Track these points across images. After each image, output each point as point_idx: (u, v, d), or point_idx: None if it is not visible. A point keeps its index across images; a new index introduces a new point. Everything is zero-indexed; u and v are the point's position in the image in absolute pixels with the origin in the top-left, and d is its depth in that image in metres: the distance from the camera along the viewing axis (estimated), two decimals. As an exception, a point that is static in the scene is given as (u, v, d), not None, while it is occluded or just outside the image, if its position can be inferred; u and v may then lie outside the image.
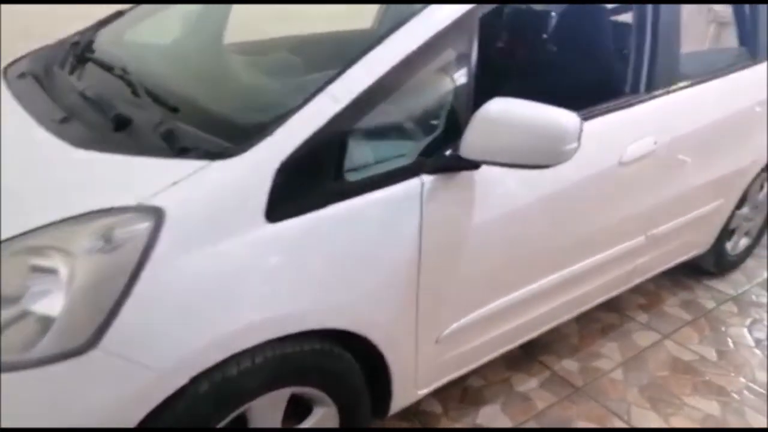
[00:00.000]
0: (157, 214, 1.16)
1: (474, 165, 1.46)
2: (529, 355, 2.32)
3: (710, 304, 2.74)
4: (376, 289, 1.43)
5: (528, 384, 2.19)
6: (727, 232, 2.77)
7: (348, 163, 1.34)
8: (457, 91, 1.48)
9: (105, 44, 2.01)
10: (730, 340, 2.50)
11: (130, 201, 1.18)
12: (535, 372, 2.24)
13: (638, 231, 2.17)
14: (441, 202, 1.48)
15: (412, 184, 1.43)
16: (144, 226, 1.14)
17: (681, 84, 2.12)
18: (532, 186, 1.68)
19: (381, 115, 1.39)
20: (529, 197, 1.68)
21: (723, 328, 2.58)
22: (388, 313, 1.48)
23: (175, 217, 1.16)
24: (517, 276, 1.80)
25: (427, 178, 1.45)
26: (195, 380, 1.21)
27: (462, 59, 1.48)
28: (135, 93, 1.50)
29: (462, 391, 2.12)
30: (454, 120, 1.47)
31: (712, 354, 2.41)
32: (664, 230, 2.28)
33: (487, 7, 1.52)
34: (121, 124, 1.38)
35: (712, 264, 2.85)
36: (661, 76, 2.04)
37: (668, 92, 2.07)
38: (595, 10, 2.27)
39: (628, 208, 2.05)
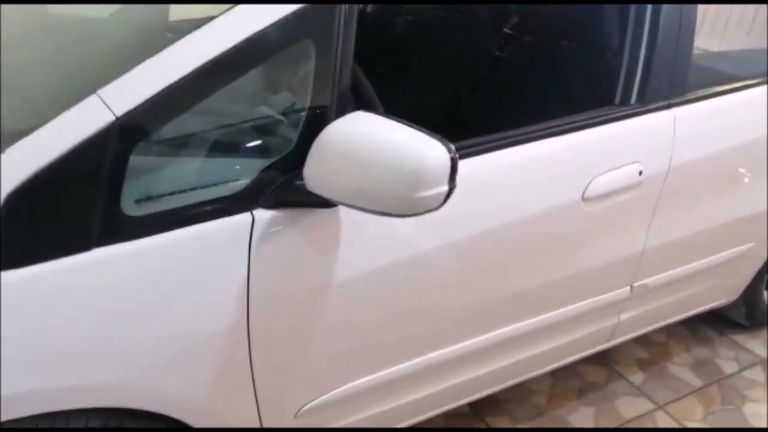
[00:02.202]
0: None
1: (326, 202, 1.08)
2: (476, 412, 1.92)
3: (730, 368, 2.21)
4: (178, 358, 1.08)
5: (462, 452, 1.80)
6: (763, 280, 2.22)
7: (132, 192, 0.99)
8: (316, 99, 1.10)
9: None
10: (746, 419, 1.99)
11: None
12: (476, 437, 1.85)
13: (618, 281, 1.70)
14: (283, 245, 1.11)
15: (234, 222, 1.06)
16: None
17: (693, 94, 1.63)
18: (438, 227, 1.28)
19: (191, 128, 1.04)
20: (431, 241, 1.27)
21: (740, 402, 2.06)
22: (207, 388, 1.14)
23: None
24: (416, 340, 1.40)
25: (261, 214, 1.08)
26: None
27: (324, 59, 1.09)
28: None
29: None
30: (309, 139, 1.08)
31: (716, 437, 1.92)
32: (661, 280, 1.80)
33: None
34: None
35: (743, 315, 2.31)
36: (664, 83, 1.56)
37: (671, 105, 1.58)
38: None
39: (598, 254, 1.59)
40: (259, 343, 1.14)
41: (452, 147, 0.96)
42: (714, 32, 4.20)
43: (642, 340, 2.25)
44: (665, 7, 1.52)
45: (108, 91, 0.97)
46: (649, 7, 1.53)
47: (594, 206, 1.48)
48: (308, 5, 1.07)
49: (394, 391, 1.43)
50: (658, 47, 1.53)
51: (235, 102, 1.07)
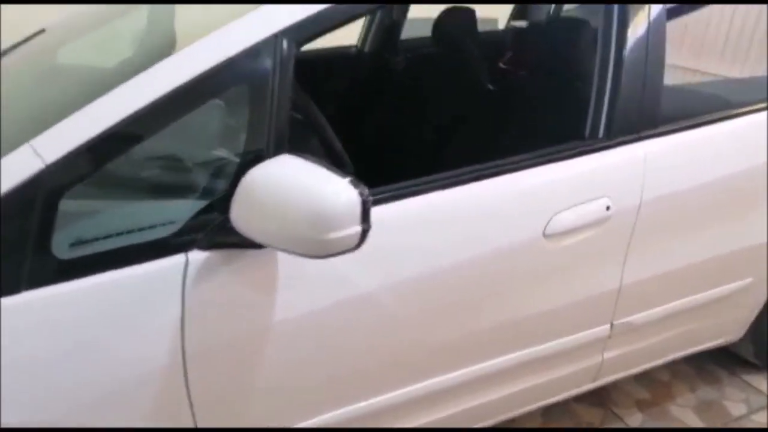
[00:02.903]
0: None
1: (257, 244, 1.09)
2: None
3: (738, 410, 2.09)
4: (114, 398, 1.10)
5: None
6: (771, 316, 2.11)
7: (65, 235, 1.03)
8: (251, 143, 1.12)
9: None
10: (751, 466, 1.88)
11: None
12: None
13: (595, 319, 1.65)
14: (217, 286, 1.12)
15: (168, 264, 1.09)
16: None
17: (668, 126, 1.58)
18: (389, 265, 1.27)
19: (125, 172, 1.08)
20: (379, 280, 1.27)
21: (745, 447, 1.95)
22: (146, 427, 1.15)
23: None
24: (366, 381, 1.38)
25: (196, 255, 1.10)
26: None
27: (259, 104, 1.12)
28: None
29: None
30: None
31: (716, 484, 1.82)
32: (647, 317, 1.73)
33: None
34: None
35: (752, 353, 2.19)
36: (633, 116, 1.53)
37: (641, 138, 1.54)
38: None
39: (568, 292, 1.55)
40: (198, 383, 1.15)
41: (365, 189, 0.97)
42: (736, 57, 4.09)
43: (643, 379, 2.16)
44: (630, 38, 1.50)
45: (40, 140, 1.02)
46: (614, 37, 1.51)
47: (557, 243, 1.45)
48: (242, 51, 1.10)
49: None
50: (623, 79, 1.50)
51: (170, 146, 1.11)
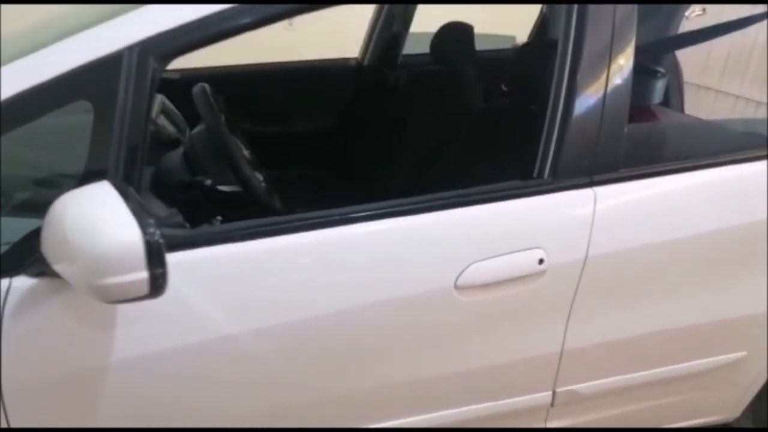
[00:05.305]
0: None
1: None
2: None
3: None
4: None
5: None
6: (774, 395, 1.80)
7: None
8: (93, 163, 1.02)
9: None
10: None
11: None
12: None
13: (530, 384, 1.44)
14: (40, 317, 1.03)
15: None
16: None
17: (632, 170, 1.36)
18: (255, 309, 1.14)
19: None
20: (241, 324, 1.14)
21: None
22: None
23: None
24: None
25: (20, 282, 1.01)
26: None
27: (104, 122, 1.02)
28: None
29: None
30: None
31: None
32: (600, 387, 1.50)
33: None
34: None
35: (754, 437, 1.89)
36: (585, 156, 1.32)
37: (593, 183, 1.33)
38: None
39: (491, 352, 1.35)
40: (16, 412, 1.06)
41: (152, 230, 0.84)
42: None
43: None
44: (585, 64, 1.29)
45: None
46: (568, 61, 1.31)
47: (473, 296, 1.26)
48: (85, 64, 1.01)
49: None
50: (575, 112, 1.30)
51: (4, 160, 1.03)
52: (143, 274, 0.85)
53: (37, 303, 1.02)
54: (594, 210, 1.32)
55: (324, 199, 1.30)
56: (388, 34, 2.49)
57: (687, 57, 2.41)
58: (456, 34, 2.18)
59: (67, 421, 1.11)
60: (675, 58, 2.37)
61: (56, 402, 1.09)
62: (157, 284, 0.87)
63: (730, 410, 1.76)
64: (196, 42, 1.07)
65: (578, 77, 1.29)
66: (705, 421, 1.77)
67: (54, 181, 1.16)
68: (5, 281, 1.01)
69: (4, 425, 1.05)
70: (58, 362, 1.06)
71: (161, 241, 0.85)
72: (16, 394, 1.04)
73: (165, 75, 2.49)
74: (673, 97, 2.35)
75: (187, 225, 1.18)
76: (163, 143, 1.74)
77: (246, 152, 1.59)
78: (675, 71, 2.37)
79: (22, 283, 1.01)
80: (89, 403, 1.09)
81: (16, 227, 1.05)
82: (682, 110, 2.33)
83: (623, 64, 1.33)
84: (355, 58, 2.61)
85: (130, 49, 1.02)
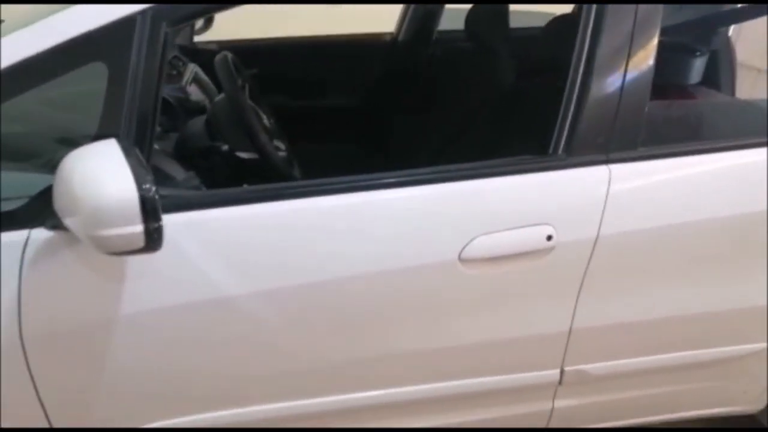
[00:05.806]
0: None
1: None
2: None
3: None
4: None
5: None
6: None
7: None
8: (106, 124, 1.06)
9: None
10: None
11: None
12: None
13: (537, 362, 1.43)
14: (57, 268, 1.08)
15: (8, 239, 1.06)
16: None
17: (652, 150, 1.33)
18: (262, 271, 1.17)
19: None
20: (246, 285, 1.17)
21: None
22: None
23: None
24: (223, 394, 1.28)
25: (39, 234, 1.07)
26: None
27: (118, 84, 1.06)
28: None
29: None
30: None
31: None
32: (612, 369, 1.48)
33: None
34: None
35: (778, 430, 1.83)
36: (601, 132, 1.29)
37: (609, 160, 1.30)
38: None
39: (496, 326, 1.35)
40: (38, 363, 1.13)
41: (148, 186, 0.88)
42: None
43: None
44: (604, 36, 1.26)
45: None
46: (588, 39, 1.28)
47: (477, 269, 1.26)
48: (99, 27, 1.05)
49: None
50: (593, 87, 1.27)
51: (22, 118, 1.08)
52: (139, 228, 0.89)
53: (53, 255, 1.08)
54: (608, 188, 1.29)
55: (355, 174, 1.32)
56: (423, 9, 2.46)
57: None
58: (490, 11, 2.14)
59: (82, 369, 1.17)
60: (727, 37, 2.25)
61: (72, 351, 1.16)
62: (152, 238, 0.91)
63: (754, 402, 1.71)
64: (208, 8, 1.10)
65: (598, 52, 1.26)
66: (726, 410, 1.72)
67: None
68: (25, 233, 1.07)
69: (26, 371, 1.12)
70: (71, 312, 1.12)
71: (156, 197, 0.89)
72: (36, 342, 1.11)
73: (202, 45, 2.56)
74: (724, 77, 2.23)
75: (204, 188, 1.22)
76: (192, 111, 1.79)
77: (268, 122, 1.62)
78: (726, 51, 2.25)
79: (39, 234, 1.07)
80: (100, 352, 1.15)
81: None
82: (732, 92, 2.21)
83: (647, 41, 1.29)
84: (390, 33, 2.60)
85: (143, 12, 1.05)
